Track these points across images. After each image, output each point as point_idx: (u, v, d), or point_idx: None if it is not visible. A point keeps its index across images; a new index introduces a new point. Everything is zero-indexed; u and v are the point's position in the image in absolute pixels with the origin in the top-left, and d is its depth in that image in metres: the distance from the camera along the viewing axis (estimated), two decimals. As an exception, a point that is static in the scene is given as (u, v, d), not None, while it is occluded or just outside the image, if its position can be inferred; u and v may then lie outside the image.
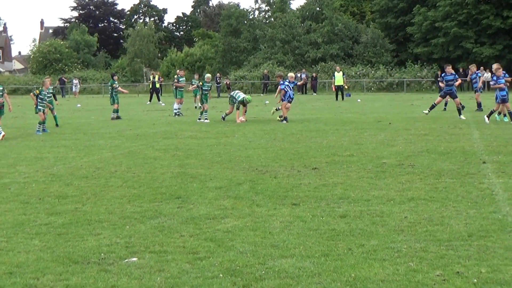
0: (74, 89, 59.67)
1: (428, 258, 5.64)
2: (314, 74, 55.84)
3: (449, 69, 22.10)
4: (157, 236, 6.72)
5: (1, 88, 18.26)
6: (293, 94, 22.66)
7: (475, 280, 5.01)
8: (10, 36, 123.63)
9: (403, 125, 19.27)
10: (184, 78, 30.30)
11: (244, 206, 8.16)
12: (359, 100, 38.71)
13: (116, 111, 25.52)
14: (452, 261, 5.52)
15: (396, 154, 12.70)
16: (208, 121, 22.72)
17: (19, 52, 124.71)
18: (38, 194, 9.30)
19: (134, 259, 5.91)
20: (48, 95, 20.86)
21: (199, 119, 22.89)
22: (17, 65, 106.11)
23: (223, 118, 22.83)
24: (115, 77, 27.38)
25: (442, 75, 22.57)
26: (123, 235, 6.82)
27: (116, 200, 8.77)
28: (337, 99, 39.64)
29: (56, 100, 23.12)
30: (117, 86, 26.37)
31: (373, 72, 58.21)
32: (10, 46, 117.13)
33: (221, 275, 5.36)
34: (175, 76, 30.46)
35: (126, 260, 5.86)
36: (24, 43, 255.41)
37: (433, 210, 7.61)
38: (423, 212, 7.49)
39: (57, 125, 21.77)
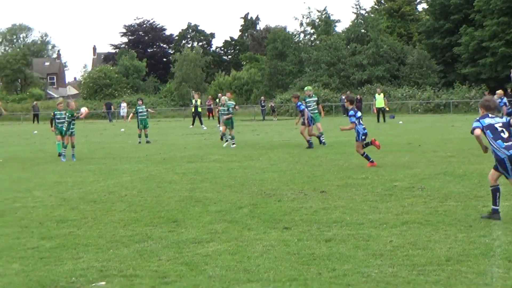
0: (121, 113, 61.06)
1: (393, 283, 5.45)
2: (358, 96, 55.48)
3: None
4: (135, 260, 6.71)
5: None
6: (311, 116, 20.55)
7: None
8: (64, 63, 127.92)
9: (432, 147, 18.86)
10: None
11: (235, 230, 8.08)
12: (400, 122, 38.26)
13: (139, 135, 26.15)
14: (416, 287, 5.31)
15: (410, 177, 12.47)
16: (234, 145, 21.95)
17: (74, 78, 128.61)
18: (40, 218, 9.47)
19: (102, 283, 5.91)
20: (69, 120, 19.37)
21: (225, 142, 22.71)
22: (72, 91, 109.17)
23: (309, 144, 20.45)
24: (139, 102, 27.67)
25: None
26: (103, 259, 6.83)
27: (112, 224, 8.84)
28: (378, 120, 39.34)
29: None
30: (141, 110, 26.58)
31: (419, 93, 57.47)
32: (64, 72, 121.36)
33: (179, 300, 5.30)
34: (218, 101, 29.98)
35: (93, 284, 5.86)
36: (78, 69, 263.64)
37: (422, 234, 7.38)
38: (411, 236, 7.28)
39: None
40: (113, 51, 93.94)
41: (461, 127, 27.67)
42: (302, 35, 74.72)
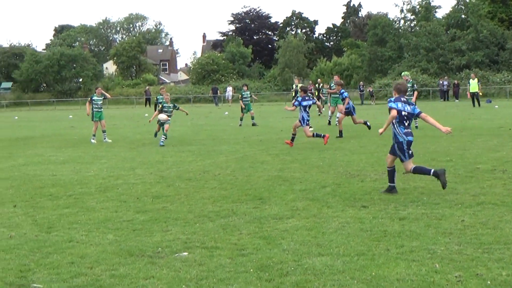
0: (227, 97, 62.44)
1: (458, 260, 5.54)
2: (456, 81, 54.31)
3: None
4: (218, 234, 7.14)
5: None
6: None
7: (489, 282, 4.87)
8: (176, 50, 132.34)
9: (524, 131, 18.28)
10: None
11: (315, 208, 8.37)
12: (496, 107, 37.83)
13: (241, 119, 27.23)
14: (478, 264, 5.39)
15: (495, 160, 12.35)
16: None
17: (185, 64, 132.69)
18: (138, 194, 10.19)
19: (185, 253, 6.36)
20: (167, 106, 19.94)
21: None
22: (183, 76, 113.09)
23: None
24: (245, 87, 28.49)
25: None
26: (188, 232, 7.32)
27: (202, 200, 9.37)
28: (474, 105, 38.96)
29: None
30: (245, 96, 27.44)
31: (519, 78, 55.54)
32: (176, 59, 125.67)
33: (251, 270, 5.64)
34: (330, 84, 29.86)
35: (176, 255, 6.33)
36: (188, 55, 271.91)
37: (495, 214, 7.38)
38: (483, 216, 7.30)
39: (156, 135, 20.82)
40: (221, 38, 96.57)
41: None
42: (402, 22, 74.01)
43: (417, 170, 9.34)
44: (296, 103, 17.25)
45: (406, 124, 9.25)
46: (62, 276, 5.68)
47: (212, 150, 16.81)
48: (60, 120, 39.63)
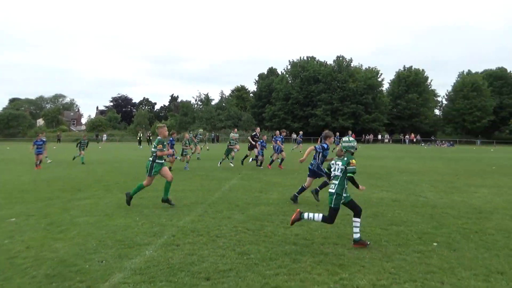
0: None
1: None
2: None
3: None
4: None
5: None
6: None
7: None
8: (82, 113, 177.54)
9: None
10: None
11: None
12: None
13: None
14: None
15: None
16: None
17: (85, 122, 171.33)
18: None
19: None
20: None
21: None
22: (83, 128, 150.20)
23: None
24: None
25: None
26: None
27: None
28: None
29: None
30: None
31: None
32: (81, 118, 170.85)
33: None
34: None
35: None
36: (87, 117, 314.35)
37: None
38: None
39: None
40: (105, 109, 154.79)
41: None
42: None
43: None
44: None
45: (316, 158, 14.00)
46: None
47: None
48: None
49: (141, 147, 67.76)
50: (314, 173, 14.17)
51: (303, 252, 8.60)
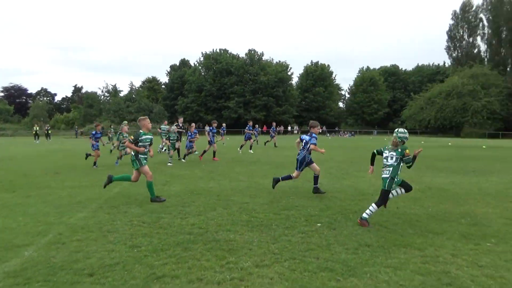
0: None
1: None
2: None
3: None
4: None
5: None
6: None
7: None
8: None
9: None
10: None
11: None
12: None
13: None
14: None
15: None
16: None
17: None
18: None
19: None
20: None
21: None
22: None
23: None
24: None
25: None
26: None
27: None
28: None
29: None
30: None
31: None
32: None
33: None
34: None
35: None
36: None
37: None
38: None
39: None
40: None
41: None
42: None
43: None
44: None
45: (301, 147, 14.46)
46: None
47: None
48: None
49: (38, 141, 64.76)
50: (301, 164, 14.35)
51: (196, 241, 8.91)
